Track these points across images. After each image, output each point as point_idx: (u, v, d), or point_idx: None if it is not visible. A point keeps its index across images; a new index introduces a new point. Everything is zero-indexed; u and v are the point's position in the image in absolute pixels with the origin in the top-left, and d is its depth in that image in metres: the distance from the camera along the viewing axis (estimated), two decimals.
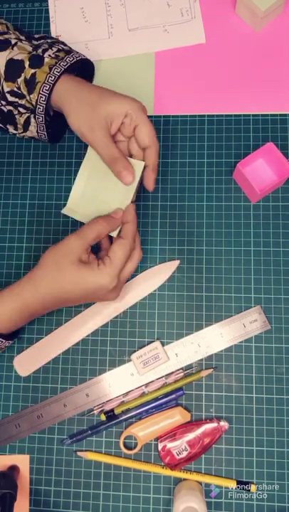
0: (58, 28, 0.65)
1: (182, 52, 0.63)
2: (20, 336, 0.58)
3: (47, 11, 0.66)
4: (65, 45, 0.56)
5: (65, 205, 0.60)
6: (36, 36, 0.57)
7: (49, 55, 0.53)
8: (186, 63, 0.63)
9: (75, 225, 0.60)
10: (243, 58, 0.62)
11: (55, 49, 0.54)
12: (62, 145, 0.62)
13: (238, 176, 0.57)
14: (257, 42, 0.62)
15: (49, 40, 0.56)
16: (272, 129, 0.60)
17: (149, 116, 0.61)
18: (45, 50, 0.53)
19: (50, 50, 0.53)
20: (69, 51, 0.55)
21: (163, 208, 0.59)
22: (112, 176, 0.53)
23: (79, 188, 0.54)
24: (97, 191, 0.54)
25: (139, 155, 0.54)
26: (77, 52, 0.55)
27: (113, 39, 0.64)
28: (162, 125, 0.61)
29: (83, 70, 0.59)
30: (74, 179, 0.60)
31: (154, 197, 0.60)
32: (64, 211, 0.54)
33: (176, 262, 0.57)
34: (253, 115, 0.60)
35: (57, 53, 0.53)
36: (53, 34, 0.65)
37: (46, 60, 0.52)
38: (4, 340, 0.52)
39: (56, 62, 0.52)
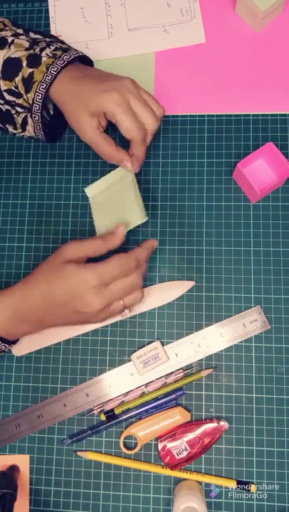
0: (58, 28, 0.65)
1: (182, 52, 0.63)
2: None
3: (47, 11, 0.66)
4: (64, 43, 0.56)
5: (65, 205, 0.61)
6: (34, 31, 0.57)
7: (46, 54, 0.53)
8: (186, 63, 0.63)
9: (75, 225, 0.60)
10: (243, 58, 0.62)
11: (52, 47, 0.54)
12: (62, 145, 0.62)
13: (238, 176, 0.57)
14: (257, 42, 0.62)
15: (47, 39, 0.55)
16: (272, 129, 0.60)
17: None
18: (42, 49, 0.53)
19: (48, 48, 0.53)
20: (67, 49, 0.54)
21: (163, 208, 0.59)
22: (119, 200, 0.56)
23: (106, 181, 0.58)
24: (117, 196, 0.57)
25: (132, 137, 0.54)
26: (75, 50, 0.55)
27: (113, 39, 0.64)
28: (162, 125, 0.61)
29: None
30: (74, 179, 0.61)
31: (154, 197, 0.60)
32: (86, 190, 0.59)
33: (192, 283, 0.57)
34: (253, 115, 0.60)
35: (54, 52, 0.53)
36: (53, 34, 0.65)
37: (44, 59, 0.52)
38: (6, 345, 0.52)
39: (53, 61, 0.52)
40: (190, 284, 0.57)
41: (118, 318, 0.51)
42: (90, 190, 0.58)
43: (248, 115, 0.60)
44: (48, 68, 0.52)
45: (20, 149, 0.63)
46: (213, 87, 0.62)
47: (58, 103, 0.54)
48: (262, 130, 0.60)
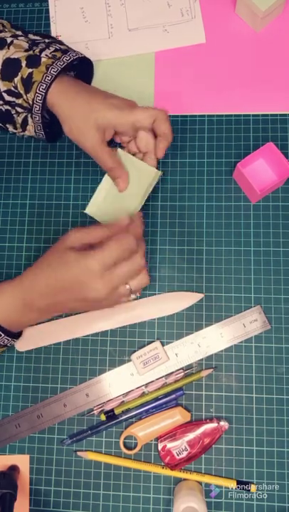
0: (58, 28, 0.65)
1: (182, 52, 0.63)
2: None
3: (47, 11, 0.66)
4: (63, 44, 0.56)
5: (65, 205, 0.61)
6: (34, 32, 0.57)
7: (46, 55, 0.53)
8: (186, 63, 0.63)
9: (75, 225, 0.60)
10: (243, 58, 0.62)
11: (52, 48, 0.54)
12: (62, 145, 0.62)
13: (238, 176, 0.57)
14: (257, 42, 0.62)
15: (46, 40, 0.56)
16: (272, 129, 0.60)
17: None
18: (42, 50, 0.53)
19: (47, 49, 0.53)
20: (66, 50, 0.54)
21: (163, 208, 0.59)
22: (132, 183, 0.55)
23: (102, 192, 0.55)
24: (118, 196, 0.55)
25: (148, 149, 0.55)
26: (75, 51, 0.55)
27: (113, 39, 0.64)
28: None
29: (82, 68, 0.59)
30: (74, 179, 0.61)
31: (154, 197, 0.60)
32: (86, 210, 0.55)
33: (201, 295, 0.56)
34: (253, 115, 0.60)
35: (54, 53, 0.53)
36: (53, 34, 0.65)
37: (43, 59, 0.52)
38: (10, 339, 0.52)
39: (53, 62, 0.52)
40: (199, 296, 0.56)
41: (126, 302, 0.52)
42: (91, 208, 0.56)
43: (248, 115, 0.60)
44: (47, 69, 0.52)
45: (21, 149, 0.63)
46: (213, 87, 0.62)
47: (56, 110, 0.53)
48: (262, 130, 0.60)
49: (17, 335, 0.53)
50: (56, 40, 0.57)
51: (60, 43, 0.56)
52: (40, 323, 0.57)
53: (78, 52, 0.56)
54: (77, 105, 0.52)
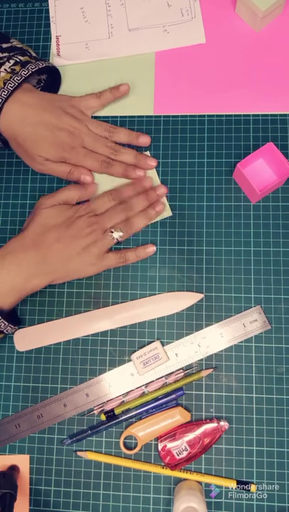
0: (58, 28, 0.65)
1: (182, 52, 0.63)
2: (22, 326, 0.58)
3: (47, 11, 0.66)
4: (25, 54, 0.57)
5: None
6: (4, 46, 0.57)
7: (5, 69, 0.54)
8: (186, 63, 0.63)
9: None
10: (243, 58, 0.62)
11: (12, 62, 0.55)
12: None
13: (238, 176, 0.57)
14: (257, 42, 0.62)
15: (11, 54, 0.56)
16: (272, 129, 0.60)
17: (149, 116, 0.61)
18: (1, 64, 0.55)
19: (7, 63, 0.55)
20: (26, 62, 0.55)
21: None
22: None
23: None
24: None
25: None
26: (35, 62, 0.56)
27: (113, 39, 0.64)
28: (162, 125, 0.61)
29: (50, 73, 0.61)
30: None
31: None
32: None
33: (201, 295, 0.56)
34: (253, 115, 0.60)
35: (13, 67, 0.55)
36: (53, 34, 0.65)
37: (2, 74, 0.54)
38: (6, 324, 0.52)
39: (11, 77, 0.54)
40: (199, 296, 0.56)
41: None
42: None
43: (248, 115, 0.60)
44: (5, 83, 0.53)
45: None
46: (213, 87, 0.62)
47: (5, 132, 0.56)
48: (262, 130, 0.60)
49: (15, 320, 0.54)
50: (22, 51, 0.57)
51: (22, 54, 0.57)
52: (39, 323, 0.58)
53: (39, 62, 0.56)
54: (18, 143, 0.56)
